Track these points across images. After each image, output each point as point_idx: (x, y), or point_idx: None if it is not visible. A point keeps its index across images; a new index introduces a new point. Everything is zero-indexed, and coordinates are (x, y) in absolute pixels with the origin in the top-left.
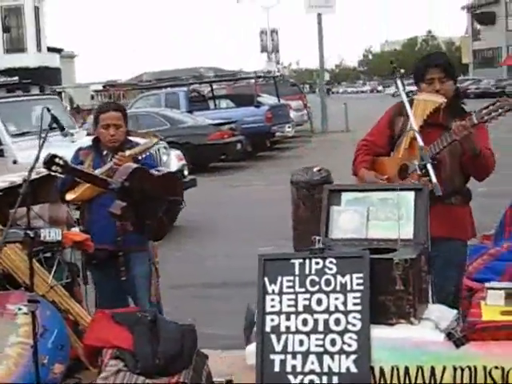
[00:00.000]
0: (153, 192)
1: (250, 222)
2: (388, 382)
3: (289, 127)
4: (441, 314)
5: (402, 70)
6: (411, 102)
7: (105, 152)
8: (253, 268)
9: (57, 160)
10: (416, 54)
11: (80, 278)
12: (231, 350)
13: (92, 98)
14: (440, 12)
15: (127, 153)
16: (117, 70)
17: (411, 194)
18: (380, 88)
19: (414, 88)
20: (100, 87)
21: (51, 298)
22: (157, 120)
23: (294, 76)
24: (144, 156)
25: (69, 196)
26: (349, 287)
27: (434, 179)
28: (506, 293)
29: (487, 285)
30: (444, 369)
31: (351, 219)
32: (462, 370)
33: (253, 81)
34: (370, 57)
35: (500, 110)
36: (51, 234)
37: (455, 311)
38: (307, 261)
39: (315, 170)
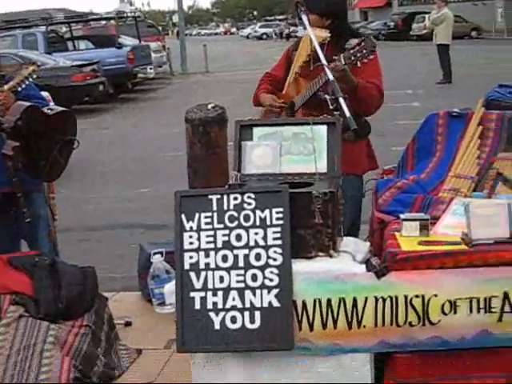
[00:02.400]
0: (46, 131)
1: (127, 163)
2: (311, 314)
3: (150, 68)
4: (356, 247)
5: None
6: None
7: None
8: (136, 209)
9: None
10: None
11: None
12: (126, 291)
13: None
14: None
15: (5, 87)
16: None
17: (324, 128)
18: (234, 30)
19: (267, 30)
20: None
21: None
22: (15, 62)
23: (146, 18)
24: (24, 86)
25: None
26: (268, 222)
27: (347, 113)
28: (421, 224)
29: (402, 216)
30: (366, 299)
31: (264, 154)
32: (384, 300)
33: (111, 22)
34: None
35: (364, 51)
36: None
37: (368, 243)
38: (225, 196)
39: (210, 106)
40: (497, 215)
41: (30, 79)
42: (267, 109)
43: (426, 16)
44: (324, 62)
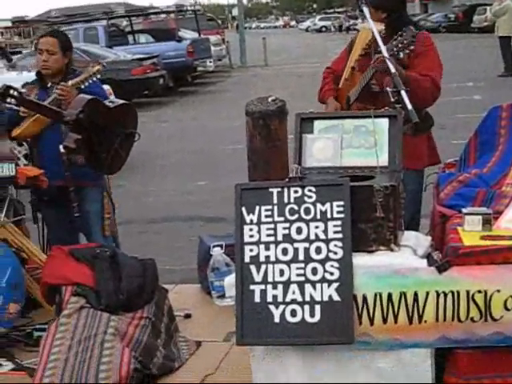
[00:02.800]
0: (108, 124)
1: (186, 156)
2: (371, 308)
3: (210, 62)
4: (417, 241)
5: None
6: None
7: (49, 84)
8: (195, 202)
9: (11, 92)
10: None
11: (25, 217)
12: (186, 284)
13: (1, 34)
14: None
15: (69, 83)
16: (21, 6)
17: (385, 121)
18: (293, 23)
19: (326, 23)
20: (8, 24)
21: (2, 236)
22: (77, 55)
23: (205, 11)
24: (87, 84)
25: (15, 132)
26: (329, 215)
27: (409, 105)
28: (483, 218)
29: (464, 210)
30: (427, 294)
31: (325, 147)
32: (446, 294)
33: (171, 15)
34: None
35: (405, 42)
36: (4, 170)
37: (429, 238)
38: (286, 189)
39: (270, 99)
40: None
41: (95, 78)
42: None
43: (488, 8)
44: (385, 53)
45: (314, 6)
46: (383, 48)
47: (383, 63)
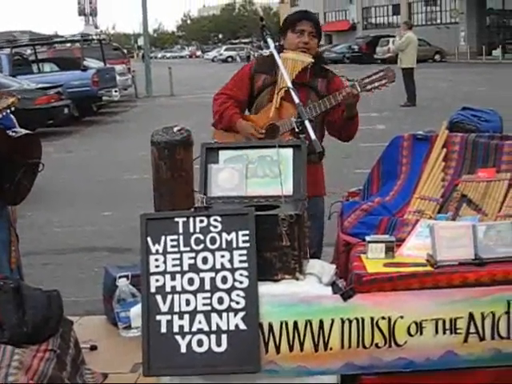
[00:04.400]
0: (11, 154)
1: (92, 186)
2: (277, 337)
3: (115, 91)
4: (322, 269)
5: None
6: (266, 61)
7: None
8: (100, 232)
9: None
10: (234, 19)
11: None
12: (91, 315)
13: None
14: None
15: None
16: None
17: (289, 151)
18: (199, 53)
19: (232, 53)
20: None
21: None
22: None
23: (111, 40)
24: (0, 116)
25: None
26: (234, 245)
27: (312, 136)
28: (386, 246)
29: (368, 238)
30: (332, 321)
31: (230, 177)
32: (350, 321)
33: (77, 44)
34: (189, 22)
35: (384, 81)
36: None
37: (334, 266)
38: (191, 219)
39: (175, 129)
40: (461, 237)
41: (8, 110)
42: (244, 136)
43: (390, 40)
44: (289, 84)
45: (220, 36)
46: (287, 80)
47: (354, 98)
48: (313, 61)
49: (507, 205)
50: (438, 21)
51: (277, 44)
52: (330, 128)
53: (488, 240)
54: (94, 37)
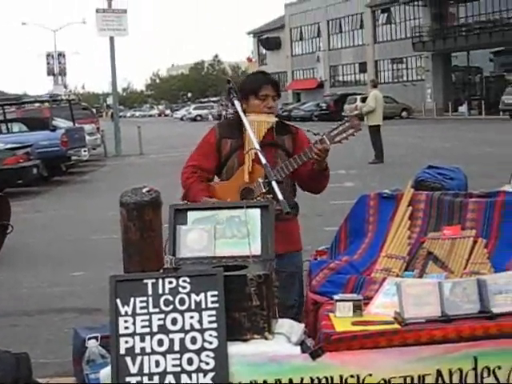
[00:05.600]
0: None
1: (61, 246)
2: None
3: (85, 151)
4: (291, 329)
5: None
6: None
7: None
8: (69, 293)
9: None
10: (202, 78)
11: None
12: (61, 377)
13: None
14: (226, 37)
15: None
16: None
17: (257, 212)
18: (168, 112)
19: (201, 112)
20: None
21: None
22: None
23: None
24: None
25: None
26: (203, 305)
27: (280, 196)
28: (354, 304)
29: (336, 297)
30: (302, 380)
31: (198, 238)
32: (320, 380)
33: (45, 104)
34: (158, 81)
35: (350, 131)
36: None
37: (302, 325)
38: (160, 280)
39: (144, 190)
40: (428, 294)
41: None
42: None
43: (358, 97)
44: (256, 146)
45: (189, 94)
46: (254, 142)
47: (325, 152)
48: (277, 120)
49: (472, 262)
50: (405, 78)
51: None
52: (300, 182)
53: (454, 297)
54: (63, 97)
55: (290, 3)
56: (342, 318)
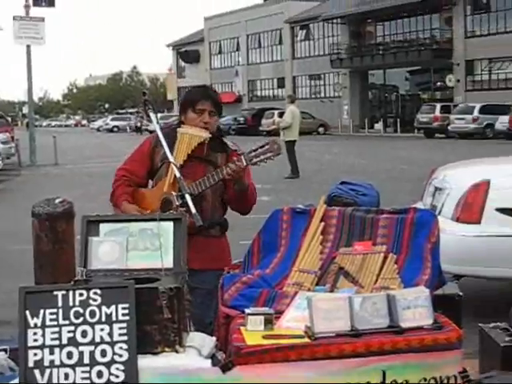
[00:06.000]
0: None
1: None
2: None
3: None
4: (202, 342)
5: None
6: (169, 134)
7: None
8: None
9: None
10: (120, 88)
11: None
12: None
13: None
14: (145, 48)
15: None
16: None
17: (170, 224)
18: (85, 122)
19: (119, 123)
20: None
21: None
22: None
23: None
24: None
25: None
26: (114, 318)
27: (193, 210)
28: (265, 318)
29: (247, 311)
30: None
31: (110, 250)
32: None
33: None
34: (75, 90)
35: (269, 154)
36: None
37: (214, 338)
38: (70, 292)
39: (57, 201)
40: (338, 309)
41: None
42: None
43: (275, 112)
44: (171, 159)
45: (106, 105)
46: (169, 155)
47: (240, 172)
48: (210, 136)
49: (382, 277)
50: (322, 94)
51: (159, 117)
52: (227, 201)
53: (364, 312)
54: None
55: (210, 17)
56: (253, 331)
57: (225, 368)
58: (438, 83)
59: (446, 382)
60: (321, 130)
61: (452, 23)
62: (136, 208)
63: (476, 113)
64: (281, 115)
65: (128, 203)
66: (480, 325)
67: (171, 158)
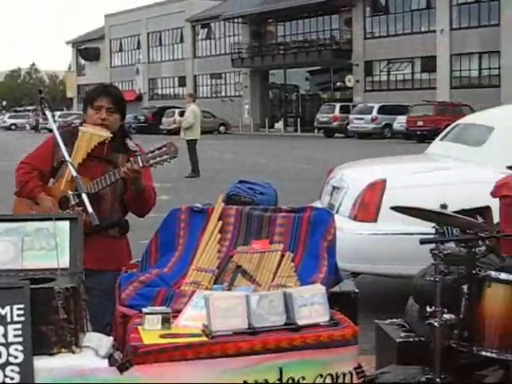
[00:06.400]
0: None
1: None
2: None
3: None
4: (99, 342)
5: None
6: (70, 132)
7: None
8: None
9: None
10: (18, 86)
11: None
12: None
13: None
14: (44, 45)
15: None
16: None
17: (66, 224)
18: None
19: (17, 120)
20: None
21: None
22: None
23: None
24: None
25: None
26: (9, 319)
27: (89, 209)
28: (163, 317)
29: (144, 310)
30: None
31: (5, 250)
32: None
33: None
34: None
35: (165, 156)
36: None
37: (111, 338)
38: None
39: None
40: (235, 307)
41: None
42: (42, 208)
43: (176, 110)
44: (67, 158)
45: (4, 103)
46: (65, 153)
47: (135, 173)
48: (110, 135)
49: (279, 275)
50: (223, 93)
51: (57, 115)
52: (126, 203)
53: (261, 309)
54: None
55: (111, 14)
56: (150, 330)
57: (122, 368)
58: (338, 83)
59: (341, 378)
60: (222, 129)
61: (352, 24)
62: (52, 200)
63: (375, 113)
64: (181, 114)
65: (45, 195)
66: (376, 321)
67: (67, 157)
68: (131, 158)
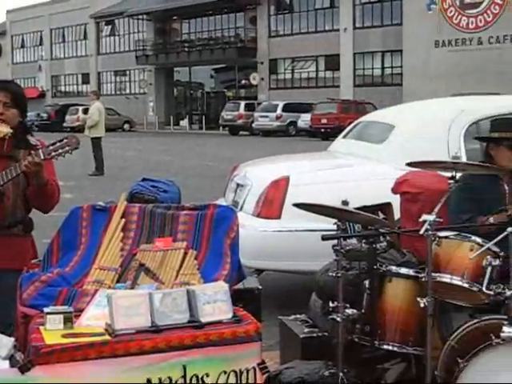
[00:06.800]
0: None
1: None
2: None
3: None
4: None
5: None
6: None
7: None
8: None
9: None
10: None
11: None
12: None
13: None
14: None
15: None
16: None
17: None
18: None
19: None
20: None
21: None
22: None
23: None
24: None
25: None
26: None
27: None
28: (64, 317)
29: (46, 310)
30: None
31: None
32: None
33: None
34: None
35: (67, 148)
36: None
37: (12, 338)
38: None
39: None
40: (138, 305)
41: None
42: None
43: (80, 108)
44: None
45: None
46: None
47: (36, 166)
48: (10, 131)
49: (183, 273)
50: (128, 91)
51: None
52: (29, 198)
53: (164, 307)
54: None
55: (12, 9)
56: (52, 330)
57: (24, 369)
58: (243, 81)
59: (245, 373)
60: (126, 126)
61: (256, 22)
62: None
63: (279, 111)
64: (85, 111)
65: None
66: (280, 317)
67: None
68: (32, 152)
